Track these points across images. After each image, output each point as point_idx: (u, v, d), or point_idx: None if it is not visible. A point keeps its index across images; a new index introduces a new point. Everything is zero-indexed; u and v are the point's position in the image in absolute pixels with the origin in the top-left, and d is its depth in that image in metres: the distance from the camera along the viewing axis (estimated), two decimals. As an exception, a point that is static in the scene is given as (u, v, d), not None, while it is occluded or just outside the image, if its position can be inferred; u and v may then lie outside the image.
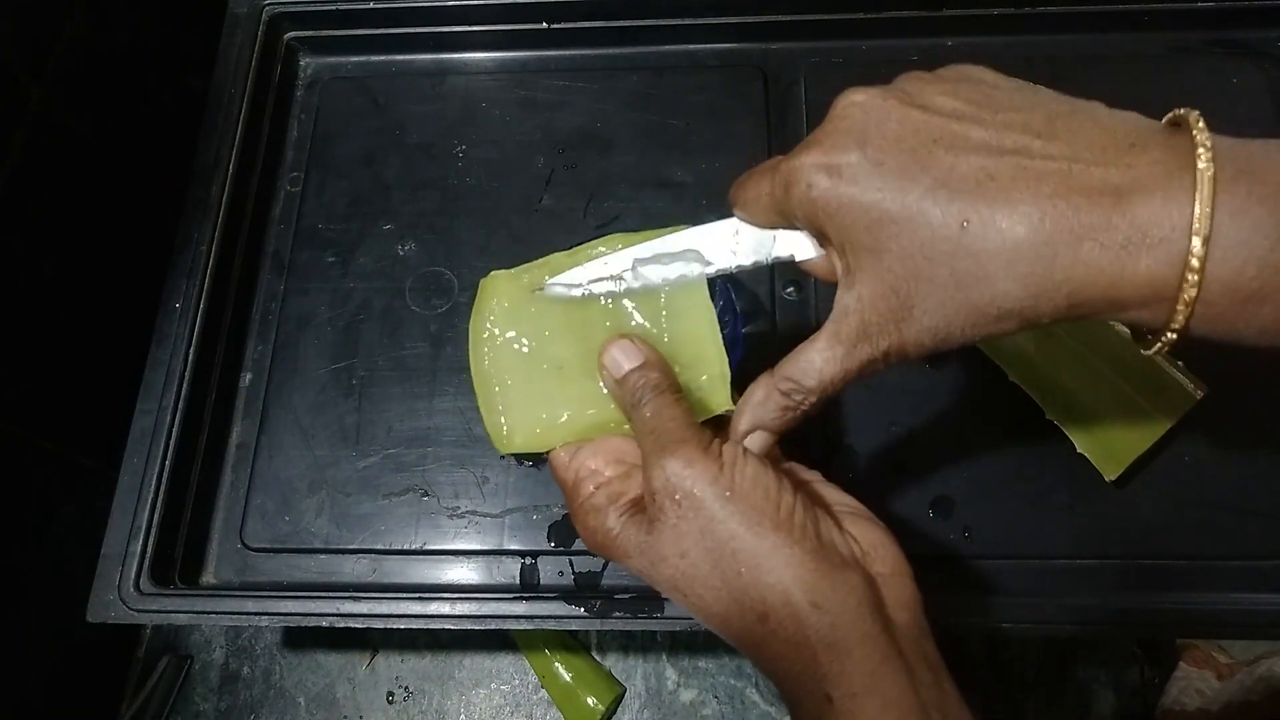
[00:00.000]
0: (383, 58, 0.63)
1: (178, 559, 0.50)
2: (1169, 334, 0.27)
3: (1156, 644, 0.69)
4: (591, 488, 0.34)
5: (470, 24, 0.61)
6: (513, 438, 0.37)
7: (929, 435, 0.50)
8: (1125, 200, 0.26)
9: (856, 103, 0.30)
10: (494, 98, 0.61)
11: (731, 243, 0.35)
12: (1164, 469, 0.48)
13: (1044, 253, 0.27)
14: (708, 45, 0.61)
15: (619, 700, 0.70)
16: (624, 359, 0.34)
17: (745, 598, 0.30)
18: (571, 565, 0.49)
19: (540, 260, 0.39)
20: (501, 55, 0.63)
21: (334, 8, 0.61)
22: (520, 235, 0.57)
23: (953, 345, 0.30)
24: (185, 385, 0.51)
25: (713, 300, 0.37)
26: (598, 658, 0.71)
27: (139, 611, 0.47)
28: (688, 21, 0.60)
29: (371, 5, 0.60)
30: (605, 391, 0.36)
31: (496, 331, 0.38)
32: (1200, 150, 0.26)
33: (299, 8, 0.61)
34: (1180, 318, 0.26)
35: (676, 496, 0.31)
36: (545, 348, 0.37)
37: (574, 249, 0.39)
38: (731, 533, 0.30)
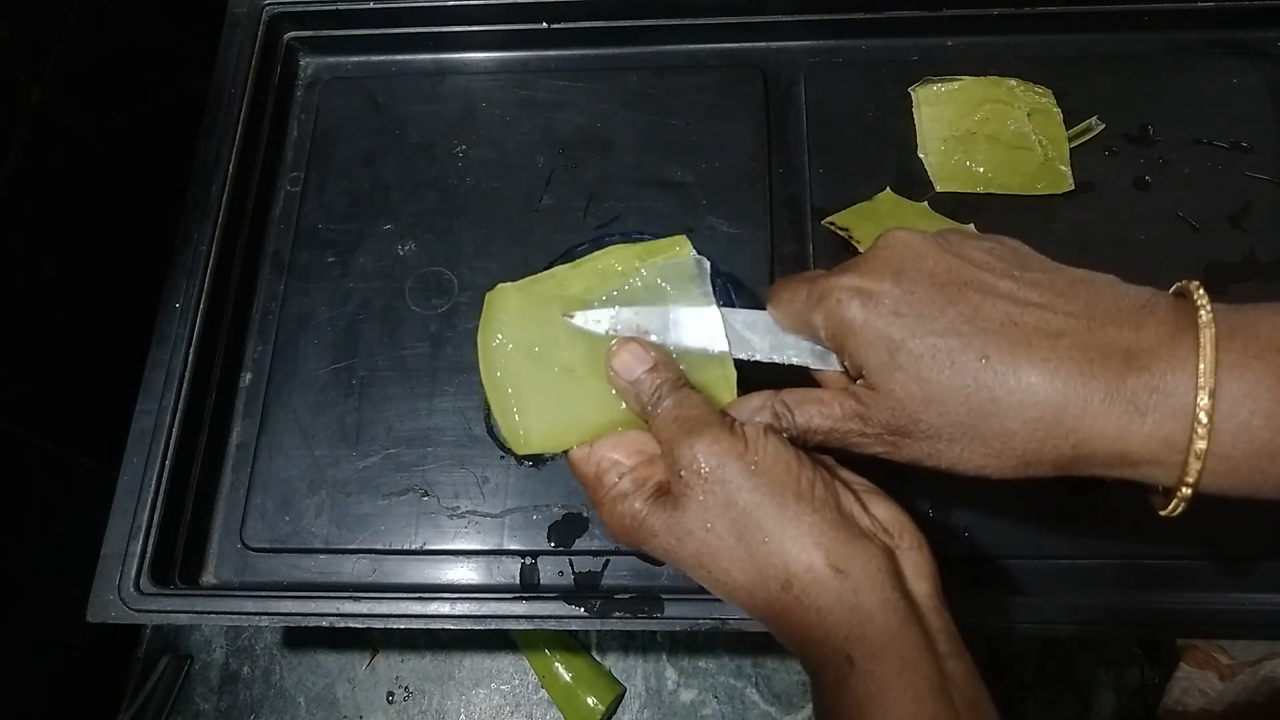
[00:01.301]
0: (383, 58, 0.63)
1: (178, 559, 0.50)
2: (1184, 489, 0.29)
3: (1156, 644, 0.69)
4: (616, 477, 0.35)
5: (470, 24, 0.61)
6: (530, 440, 0.38)
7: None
8: (1135, 359, 0.28)
9: (898, 239, 0.33)
10: (494, 98, 0.61)
11: (756, 333, 0.37)
12: (1164, 469, 0.48)
13: (1056, 400, 0.29)
14: (708, 45, 0.61)
15: (619, 700, 0.70)
16: (635, 363, 0.36)
17: (769, 566, 0.31)
18: (571, 565, 0.49)
19: (545, 273, 0.40)
20: (501, 55, 0.63)
21: (334, 8, 0.61)
22: (520, 235, 0.57)
23: (941, 464, 0.32)
24: (185, 385, 0.51)
25: (714, 297, 0.38)
26: (598, 658, 0.71)
27: (139, 611, 0.47)
28: (688, 21, 0.60)
29: (371, 5, 0.60)
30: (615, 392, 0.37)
31: (505, 341, 0.39)
32: (1201, 312, 0.28)
33: (299, 8, 0.61)
34: (1193, 471, 0.28)
35: (703, 473, 0.32)
36: (554, 353, 0.38)
37: (577, 261, 0.39)
38: (756, 504, 0.31)
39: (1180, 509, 0.30)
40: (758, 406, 0.35)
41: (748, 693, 0.70)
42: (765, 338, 0.37)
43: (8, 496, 0.55)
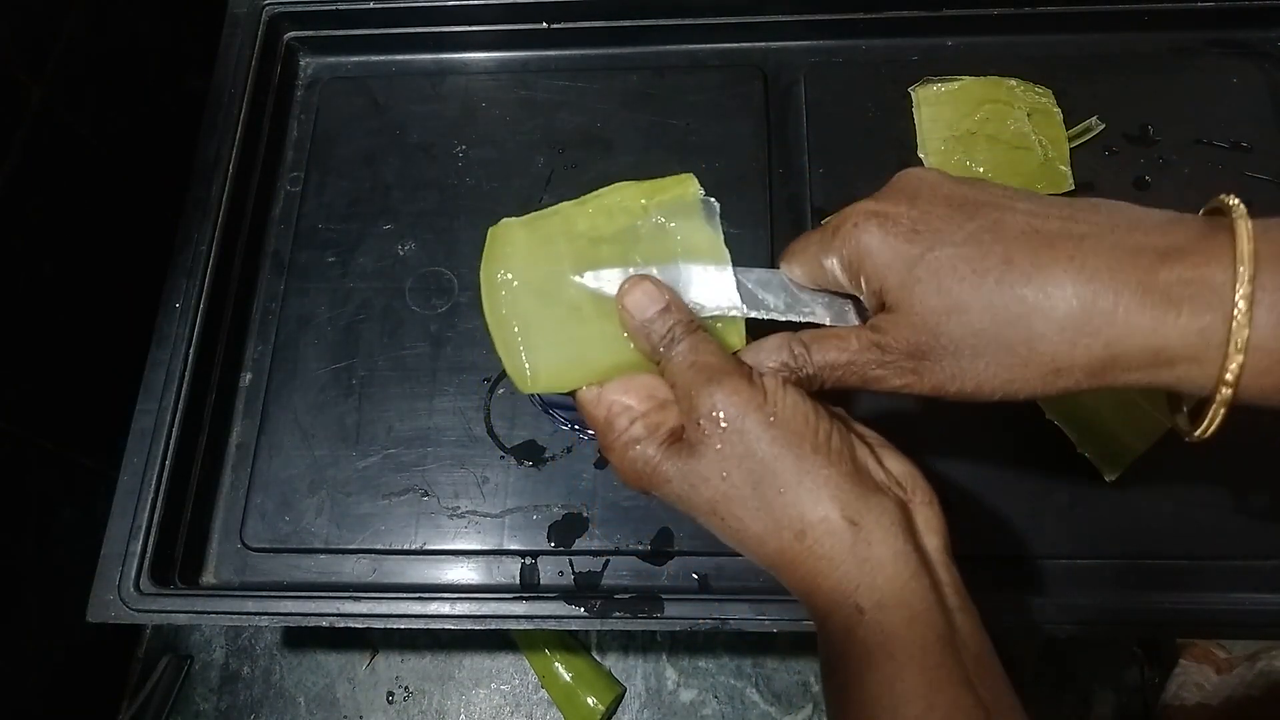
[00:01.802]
0: (383, 58, 0.63)
1: (178, 559, 0.50)
2: (1223, 390, 0.27)
3: (1156, 644, 0.69)
4: (627, 422, 0.35)
5: (470, 24, 0.61)
6: (537, 378, 0.37)
7: (929, 435, 0.50)
8: (1166, 255, 0.27)
9: (912, 172, 0.33)
10: (494, 98, 0.61)
11: (770, 291, 0.36)
12: (1164, 469, 0.48)
13: (1085, 296, 0.28)
14: (708, 45, 0.61)
15: (619, 700, 0.70)
16: (648, 301, 0.34)
17: (784, 516, 0.31)
18: (571, 565, 0.49)
19: (550, 209, 0.39)
20: (501, 55, 0.63)
21: (334, 8, 0.61)
22: (520, 235, 0.57)
23: (968, 389, 0.31)
24: (185, 385, 0.51)
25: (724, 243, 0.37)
26: (598, 658, 0.71)
27: (139, 611, 0.47)
28: (688, 21, 0.60)
29: (371, 5, 0.60)
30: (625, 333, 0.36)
31: (510, 277, 0.37)
32: (1236, 209, 0.28)
33: (299, 8, 0.61)
34: (1233, 366, 0.27)
35: (722, 422, 0.31)
36: (561, 291, 0.37)
37: (582, 199, 0.38)
38: (774, 455, 0.31)
39: (1216, 421, 0.29)
40: (774, 347, 0.34)
41: (748, 693, 0.70)
42: (780, 295, 0.36)
43: (8, 496, 0.55)
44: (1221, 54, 0.58)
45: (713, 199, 0.38)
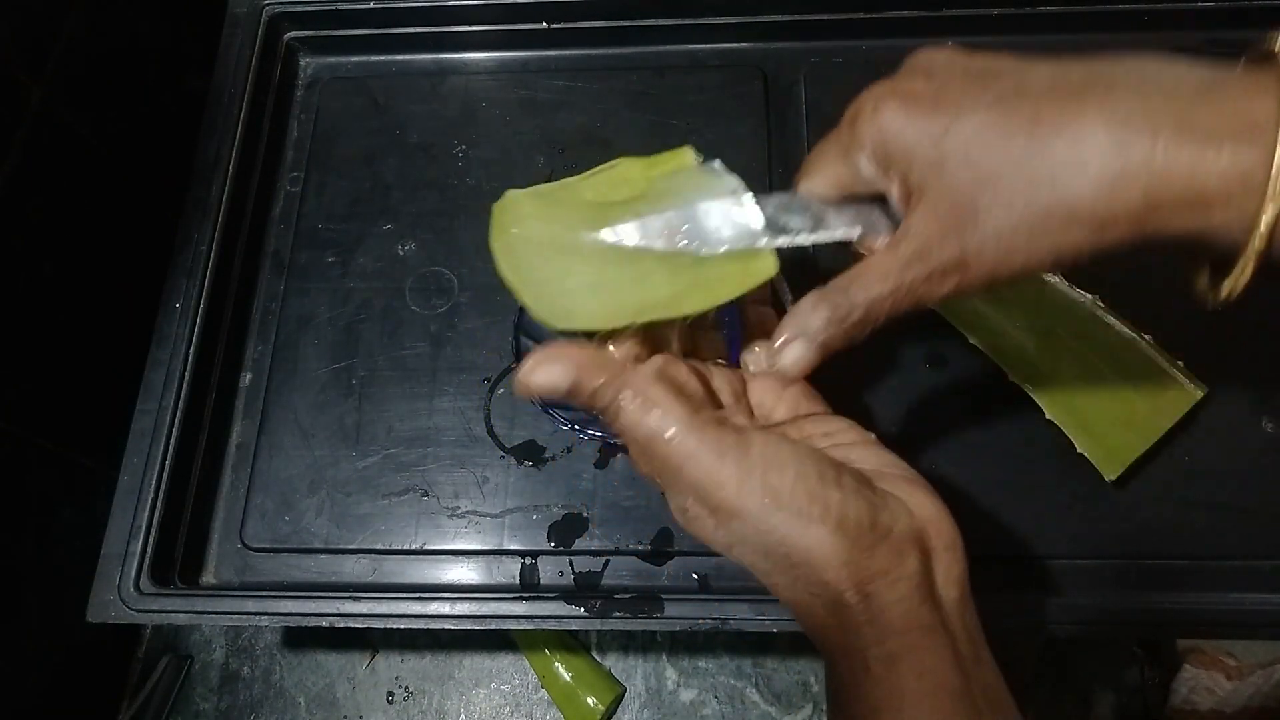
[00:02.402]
0: (383, 58, 0.63)
1: (178, 559, 0.50)
2: (1256, 239, 0.25)
3: (1156, 644, 0.69)
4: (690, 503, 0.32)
5: (470, 24, 0.61)
6: (572, 315, 0.33)
7: (929, 435, 0.50)
8: (1203, 96, 0.26)
9: (923, 51, 0.31)
10: (494, 98, 0.61)
11: (793, 214, 0.34)
12: (1164, 469, 0.48)
13: (1118, 145, 0.26)
14: (708, 45, 0.61)
15: (619, 700, 0.70)
16: (552, 382, 0.30)
17: (796, 582, 0.29)
18: (571, 565, 0.49)
19: (554, 183, 0.37)
20: (501, 55, 0.63)
21: (334, 8, 0.61)
22: (520, 235, 0.57)
23: (1015, 264, 0.29)
24: (185, 385, 0.51)
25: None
26: (598, 658, 0.71)
27: (139, 611, 0.47)
28: (688, 21, 0.60)
29: (371, 5, 0.60)
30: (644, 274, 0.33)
31: (522, 234, 0.35)
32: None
33: (299, 8, 0.61)
34: (1271, 207, 0.25)
35: (714, 509, 0.29)
36: (578, 247, 0.35)
37: (586, 173, 0.37)
38: (772, 536, 0.29)
39: (1245, 276, 0.27)
40: (811, 306, 0.31)
41: (748, 693, 0.70)
42: (803, 216, 0.34)
43: (8, 496, 0.55)
44: (1221, 54, 0.58)
45: (714, 161, 0.36)
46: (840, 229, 0.34)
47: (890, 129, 0.30)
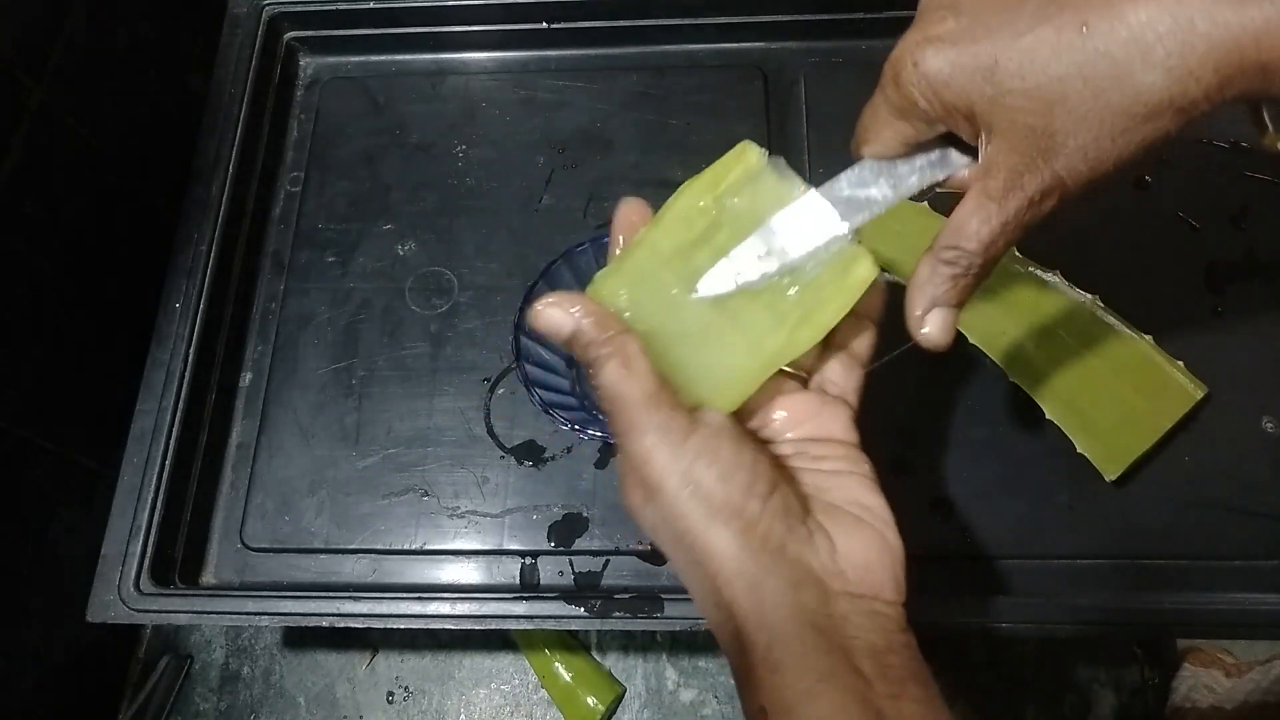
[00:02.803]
0: (383, 58, 0.63)
1: (178, 559, 0.50)
2: None
3: (1156, 644, 0.69)
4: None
5: (470, 24, 0.61)
6: (723, 398, 0.33)
7: (929, 435, 0.50)
8: None
9: None
10: (494, 98, 0.61)
11: (866, 186, 0.33)
12: (1164, 469, 0.48)
13: (1179, 24, 0.25)
14: (708, 45, 0.61)
15: (619, 700, 0.70)
16: (555, 325, 0.31)
17: (702, 592, 0.29)
18: (571, 565, 0.49)
19: (630, 246, 0.35)
20: (501, 55, 0.63)
21: (334, 8, 0.61)
22: (520, 235, 0.57)
23: (1108, 168, 0.28)
24: (185, 385, 0.51)
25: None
26: (598, 658, 0.71)
27: (139, 611, 0.47)
28: (688, 21, 0.60)
29: (371, 5, 0.60)
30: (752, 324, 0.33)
31: (633, 319, 0.34)
32: None
33: (299, 8, 0.61)
34: None
35: (644, 479, 0.29)
36: (685, 317, 0.34)
37: (655, 219, 0.35)
38: (686, 531, 0.29)
39: None
40: (927, 275, 0.31)
41: (748, 693, 0.70)
42: (878, 182, 0.33)
43: (8, 496, 0.55)
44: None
45: (778, 156, 0.34)
46: (920, 180, 0.33)
47: (938, 79, 0.29)
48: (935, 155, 0.33)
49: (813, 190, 0.33)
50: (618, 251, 0.34)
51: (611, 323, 0.31)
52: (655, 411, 0.30)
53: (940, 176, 0.33)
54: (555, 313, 0.31)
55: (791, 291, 0.33)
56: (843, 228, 0.33)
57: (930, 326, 0.32)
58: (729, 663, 0.30)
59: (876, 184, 0.33)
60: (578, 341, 0.31)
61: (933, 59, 0.28)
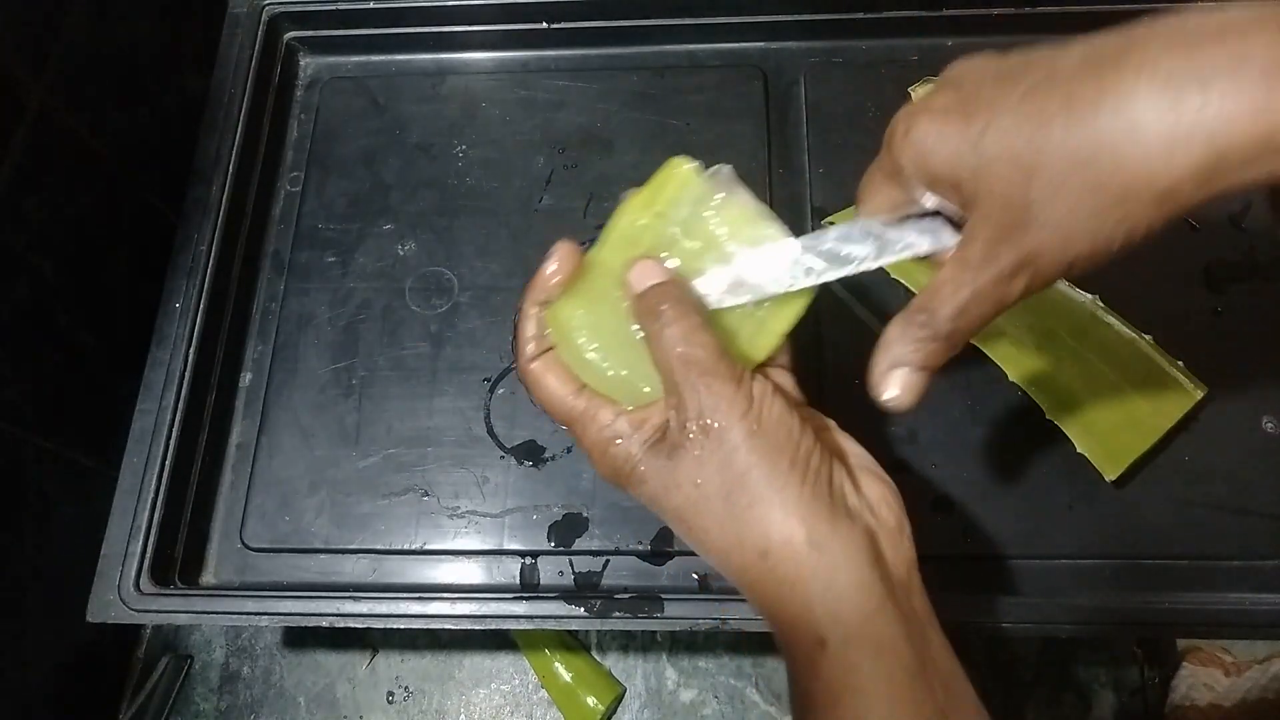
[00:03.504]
0: (383, 58, 0.63)
1: (178, 559, 0.50)
2: None
3: (1156, 644, 0.69)
4: (610, 416, 0.33)
5: (470, 24, 0.61)
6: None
7: (929, 435, 0.50)
8: (1253, 32, 0.24)
9: (956, 63, 0.31)
10: (494, 98, 0.61)
11: (853, 242, 0.34)
12: (1164, 469, 0.48)
13: (1168, 103, 0.24)
14: (708, 45, 0.61)
15: (619, 700, 0.70)
16: (648, 275, 0.33)
17: (750, 531, 0.30)
18: (571, 565, 0.49)
19: (583, 266, 0.35)
20: (501, 55, 0.63)
21: (334, 8, 0.61)
22: (520, 235, 0.57)
23: (1083, 248, 0.27)
24: (185, 385, 0.51)
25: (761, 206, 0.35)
26: (598, 658, 0.71)
27: (139, 611, 0.47)
28: (688, 21, 0.60)
29: (371, 5, 0.60)
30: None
31: (589, 342, 0.35)
32: None
33: (299, 8, 0.61)
34: None
35: (707, 425, 0.30)
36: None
37: (600, 240, 0.35)
38: (751, 464, 0.30)
39: None
40: (899, 333, 0.31)
41: (748, 693, 0.70)
42: (866, 243, 0.34)
43: (8, 496, 0.55)
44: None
45: (721, 166, 0.35)
46: (906, 249, 0.34)
47: (925, 146, 0.29)
48: (926, 227, 0.33)
49: (789, 237, 0.34)
50: (553, 282, 0.35)
51: (689, 294, 0.33)
52: (730, 369, 0.31)
53: (926, 249, 0.33)
54: (649, 263, 0.33)
55: (749, 305, 0.34)
56: (822, 268, 0.33)
57: (893, 386, 0.32)
58: (786, 652, 0.31)
59: (863, 243, 0.34)
60: (670, 286, 0.33)
61: (923, 127, 0.29)
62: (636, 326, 0.34)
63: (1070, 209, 0.27)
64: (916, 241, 0.33)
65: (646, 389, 0.33)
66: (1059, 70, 0.27)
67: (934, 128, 0.29)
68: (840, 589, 0.29)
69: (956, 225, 0.33)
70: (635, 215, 0.35)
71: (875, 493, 0.32)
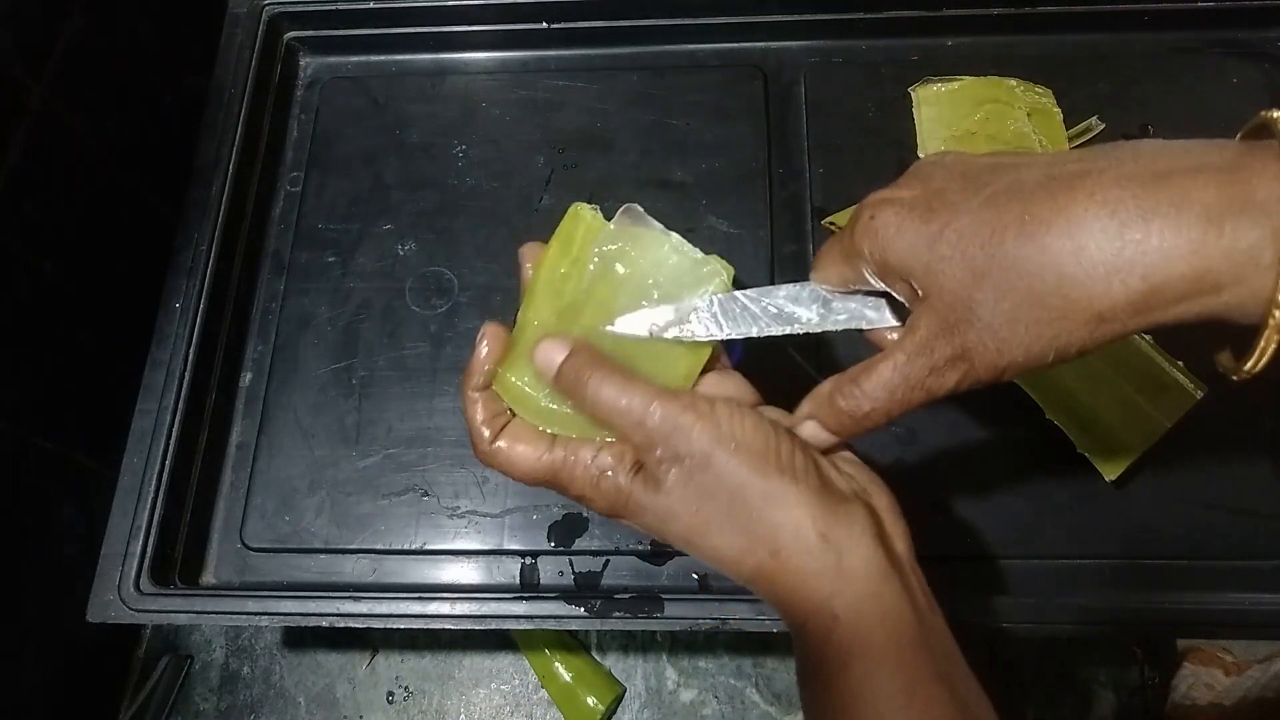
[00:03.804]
0: (383, 58, 0.63)
1: (178, 559, 0.50)
2: (1275, 314, 0.25)
3: (1156, 644, 0.69)
4: (590, 454, 0.34)
5: (470, 24, 0.61)
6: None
7: (929, 435, 0.50)
8: (1202, 176, 0.25)
9: (924, 159, 0.32)
10: (494, 98, 0.61)
11: (801, 304, 0.35)
12: (1164, 469, 0.48)
13: (1111, 233, 0.26)
14: (708, 45, 0.61)
15: (619, 700, 0.70)
16: (553, 353, 0.34)
17: (758, 537, 0.31)
18: (571, 565, 0.49)
19: (516, 330, 0.36)
20: (501, 55, 0.63)
21: (334, 8, 0.61)
22: (520, 235, 0.57)
23: (1016, 356, 0.29)
24: (185, 385, 0.51)
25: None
26: (598, 658, 0.71)
27: (139, 611, 0.47)
28: (688, 21, 0.60)
29: (371, 5, 0.60)
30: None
31: (535, 389, 0.35)
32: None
33: (299, 8, 0.61)
34: None
35: (684, 461, 0.31)
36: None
37: (525, 300, 0.36)
38: (742, 482, 0.31)
39: (1267, 354, 0.26)
40: (827, 392, 0.33)
41: (748, 693, 0.70)
42: (811, 307, 0.35)
43: (8, 496, 0.55)
44: (1221, 54, 0.58)
45: (630, 205, 0.36)
46: (848, 321, 0.35)
47: (884, 237, 0.30)
48: (873, 304, 0.35)
49: (726, 291, 0.35)
50: (486, 367, 0.35)
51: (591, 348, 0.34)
52: (674, 396, 0.32)
53: (867, 325, 0.35)
54: (550, 342, 0.34)
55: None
56: (770, 320, 0.35)
57: (807, 430, 0.34)
58: (796, 635, 0.32)
59: (808, 307, 0.35)
60: (579, 353, 0.33)
61: (888, 217, 0.30)
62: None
63: (1010, 316, 0.28)
64: (861, 315, 0.35)
65: None
66: (1022, 183, 0.28)
67: (895, 220, 0.30)
68: (849, 567, 0.30)
69: (901, 307, 0.34)
70: (553, 266, 0.36)
71: (862, 475, 0.34)
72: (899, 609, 0.30)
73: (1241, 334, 0.28)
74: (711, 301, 0.35)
